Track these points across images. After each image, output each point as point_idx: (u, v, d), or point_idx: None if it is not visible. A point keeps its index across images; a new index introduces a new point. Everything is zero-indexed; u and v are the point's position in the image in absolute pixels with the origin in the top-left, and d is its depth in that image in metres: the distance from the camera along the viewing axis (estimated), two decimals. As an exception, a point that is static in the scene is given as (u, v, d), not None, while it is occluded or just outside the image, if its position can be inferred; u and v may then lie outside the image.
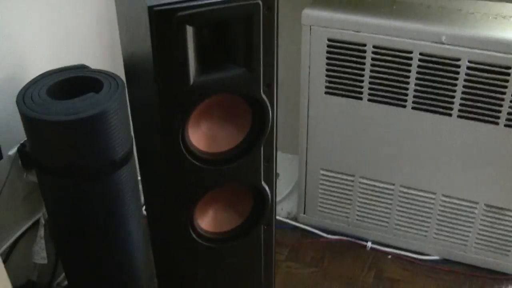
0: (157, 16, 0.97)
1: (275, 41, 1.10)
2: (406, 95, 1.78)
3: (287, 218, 2.25)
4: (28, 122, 1.38)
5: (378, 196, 2.04)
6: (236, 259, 1.39)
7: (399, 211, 2.04)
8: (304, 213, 2.20)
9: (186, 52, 1.02)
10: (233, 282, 1.46)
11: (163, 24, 0.99)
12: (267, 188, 1.30)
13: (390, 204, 2.04)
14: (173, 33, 1.00)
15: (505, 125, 1.72)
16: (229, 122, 1.20)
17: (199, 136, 1.18)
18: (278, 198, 2.13)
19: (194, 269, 1.38)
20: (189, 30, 1.01)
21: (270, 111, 1.17)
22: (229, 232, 1.35)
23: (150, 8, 0.96)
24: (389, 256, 2.10)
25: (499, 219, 1.91)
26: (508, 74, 1.64)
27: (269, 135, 1.21)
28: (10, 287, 1.09)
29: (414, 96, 1.77)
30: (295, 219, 2.24)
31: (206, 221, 1.33)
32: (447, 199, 1.94)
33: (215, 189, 1.25)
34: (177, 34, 1.00)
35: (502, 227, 1.92)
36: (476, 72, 1.67)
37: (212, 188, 1.24)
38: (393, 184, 1.99)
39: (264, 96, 1.14)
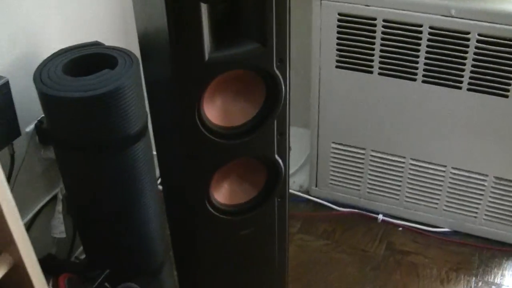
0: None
1: (288, 17, 1.12)
2: (416, 68, 1.79)
3: (299, 191, 2.28)
4: (46, 99, 1.40)
5: (389, 169, 2.07)
6: (251, 231, 1.42)
7: (410, 183, 2.06)
8: (316, 186, 2.23)
9: (201, 29, 1.05)
10: (248, 254, 1.49)
11: (178, 2, 1.01)
12: (280, 161, 1.32)
13: (401, 177, 2.06)
14: (188, 11, 1.02)
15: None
16: (243, 96, 1.22)
17: (214, 111, 1.20)
18: (290, 171, 2.17)
19: (209, 241, 1.41)
20: (204, 7, 1.03)
21: (283, 86, 1.19)
22: (244, 205, 1.38)
23: (166, -13, 0.98)
24: (400, 229, 2.13)
25: (508, 191, 1.93)
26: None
27: (282, 109, 1.23)
28: (35, 259, 1.12)
29: (424, 70, 1.79)
30: (307, 192, 2.27)
31: (221, 194, 1.36)
32: (457, 172, 1.96)
33: (229, 162, 1.28)
34: (192, 12, 1.02)
35: (511, 199, 1.95)
36: (485, 45, 1.68)
37: (227, 161, 1.27)
38: (404, 157, 2.01)
39: (277, 71, 1.16)
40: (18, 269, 1.11)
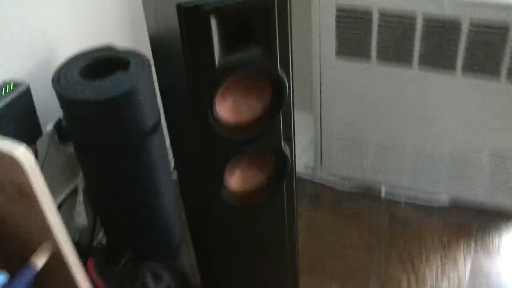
0: (184, 12, 1.08)
1: (289, 24, 1.20)
2: (412, 56, 1.86)
3: (305, 171, 2.36)
4: (64, 102, 1.49)
5: (390, 150, 2.15)
6: (262, 215, 1.52)
7: (411, 162, 2.15)
8: (321, 167, 2.32)
9: (211, 39, 1.13)
10: (260, 234, 1.58)
11: (190, 18, 1.10)
12: (287, 150, 1.41)
13: (402, 157, 2.15)
14: (200, 25, 1.11)
15: (506, 80, 1.81)
16: (251, 94, 1.31)
17: (225, 108, 1.29)
18: (297, 153, 2.25)
19: (223, 225, 1.51)
20: (214, 21, 1.11)
21: (287, 84, 1.28)
22: (255, 190, 1.48)
23: (179, 6, 1.07)
24: (403, 202, 2.23)
25: (502, 164, 2.03)
26: (507, 33, 1.72)
27: (286, 104, 1.32)
28: (72, 247, 1.22)
29: (419, 57, 1.86)
30: (313, 173, 2.35)
31: (233, 181, 1.45)
32: (455, 150, 2.05)
33: (241, 154, 1.38)
34: (203, 26, 1.11)
35: (506, 170, 2.04)
36: (476, 31, 1.75)
37: (238, 153, 1.36)
38: (403, 139, 2.10)
39: (281, 71, 1.25)
40: (57, 257, 1.20)
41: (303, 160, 2.40)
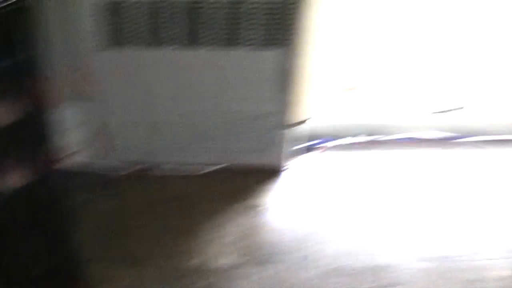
0: None
1: (36, 34, 1.32)
2: (165, 39, 2.04)
3: (88, 163, 2.39)
4: None
5: (161, 128, 2.31)
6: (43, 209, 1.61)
7: (182, 136, 2.34)
8: (105, 155, 2.38)
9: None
10: (47, 230, 1.67)
11: None
12: (50, 149, 1.52)
13: (172, 130, 2.32)
14: None
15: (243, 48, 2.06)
16: (10, 98, 1.40)
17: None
18: (77, 147, 2.33)
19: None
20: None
21: (41, 91, 1.40)
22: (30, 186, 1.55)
23: None
24: (179, 174, 2.40)
25: (263, 124, 2.28)
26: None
27: (44, 105, 1.44)
28: None
29: (172, 39, 2.04)
30: (96, 163, 2.40)
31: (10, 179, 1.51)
32: (217, 116, 2.26)
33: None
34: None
35: (256, 131, 2.31)
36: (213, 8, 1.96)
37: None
38: (173, 114, 2.26)
39: (34, 80, 1.37)
40: None
41: (85, 152, 2.40)
